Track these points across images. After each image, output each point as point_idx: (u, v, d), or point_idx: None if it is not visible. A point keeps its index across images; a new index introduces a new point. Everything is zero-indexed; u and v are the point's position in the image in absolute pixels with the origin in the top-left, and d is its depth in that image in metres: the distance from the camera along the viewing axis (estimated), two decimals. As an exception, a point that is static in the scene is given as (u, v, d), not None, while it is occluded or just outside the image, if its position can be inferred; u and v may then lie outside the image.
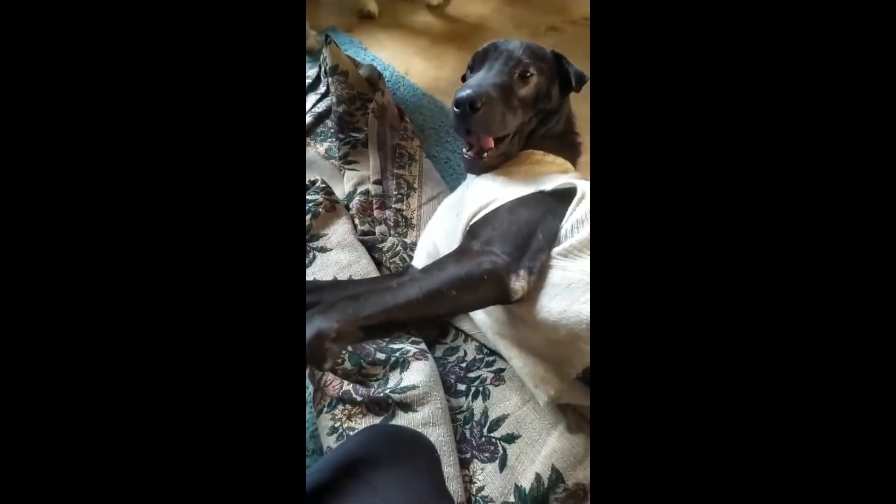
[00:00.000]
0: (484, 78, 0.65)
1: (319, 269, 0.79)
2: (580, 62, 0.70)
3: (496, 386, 0.70)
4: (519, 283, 0.53)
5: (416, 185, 0.95)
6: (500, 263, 0.53)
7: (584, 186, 0.61)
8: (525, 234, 0.56)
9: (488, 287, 0.52)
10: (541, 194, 0.60)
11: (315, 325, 0.43)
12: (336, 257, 0.80)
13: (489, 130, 0.64)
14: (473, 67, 0.70)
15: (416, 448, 0.46)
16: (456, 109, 0.62)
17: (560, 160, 0.70)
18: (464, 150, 0.70)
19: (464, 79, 0.76)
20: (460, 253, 0.55)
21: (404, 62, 1.29)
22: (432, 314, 0.55)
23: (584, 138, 0.76)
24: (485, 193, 0.63)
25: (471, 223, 0.60)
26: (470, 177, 0.75)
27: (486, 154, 0.66)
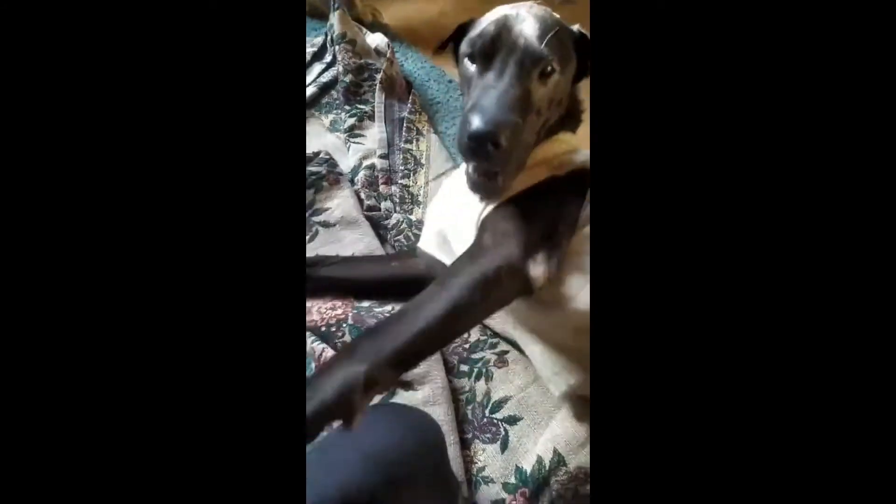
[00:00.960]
0: (501, 94, 0.49)
1: (322, 245, 0.77)
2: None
3: (499, 368, 0.69)
4: (538, 271, 0.50)
5: (423, 161, 0.92)
6: (515, 253, 0.48)
7: None
8: (540, 221, 0.52)
9: (507, 281, 0.48)
10: (553, 180, 0.57)
11: (338, 376, 0.37)
12: (340, 233, 0.78)
13: (509, 164, 0.51)
14: (474, 57, 0.53)
15: (423, 427, 0.46)
16: (470, 143, 0.46)
17: (568, 137, 0.64)
18: (469, 169, 0.54)
19: (443, 47, 0.62)
20: (473, 251, 0.50)
21: (413, 33, 1.24)
22: (462, 329, 0.51)
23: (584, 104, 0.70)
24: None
25: (482, 216, 0.56)
26: None
27: (501, 178, 0.53)
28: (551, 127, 0.62)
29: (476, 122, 0.46)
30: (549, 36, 0.51)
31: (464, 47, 0.54)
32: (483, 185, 0.54)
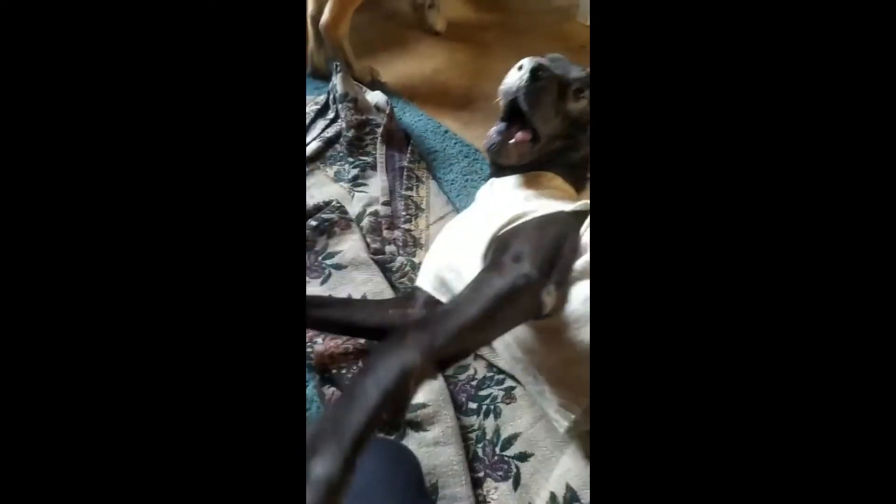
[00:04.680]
0: (551, 67, 0.64)
1: (335, 286, 0.81)
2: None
3: (507, 404, 0.70)
4: (549, 298, 0.53)
5: (423, 206, 0.97)
6: (534, 277, 0.52)
7: None
8: (553, 250, 0.56)
9: (527, 298, 0.51)
10: (561, 213, 0.62)
11: (396, 361, 0.37)
12: (351, 275, 0.81)
13: (536, 110, 0.63)
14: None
15: (398, 455, 0.49)
16: (517, 71, 0.63)
17: (569, 188, 0.72)
18: (494, 128, 0.68)
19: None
20: (496, 267, 0.53)
21: (409, 89, 1.33)
22: (492, 336, 0.53)
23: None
24: (510, 208, 0.63)
25: (498, 234, 0.60)
26: (482, 196, 0.76)
27: (513, 142, 0.66)
28: (561, 162, 0.72)
29: (524, 60, 0.63)
30: (589, 74, 0.67)
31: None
32: (499, 145, 0.66)
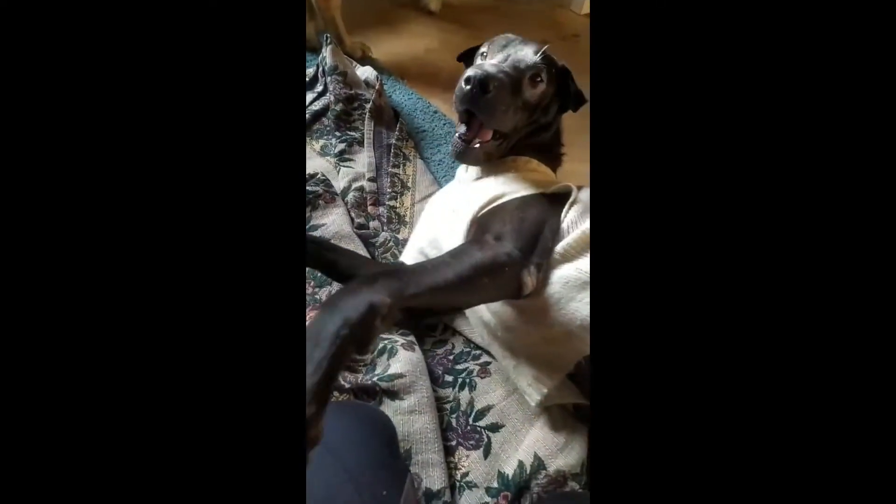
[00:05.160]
0: (498, 65, 0.63)
1: (316, 259, 0.81)
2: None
3: (482, 378, 0.72)
4: (530, 279, 0.54)
5: (409, 184, 0.97)
6: (516, 257, 0.52)
7: (576, 190, 0.63)
8: (534, 231, 0.57)
9: (506, 279, 0.52)
10: (542, 195, 0.62)
11: (364, 297, 0.36)
12: (334, 247, 0.82)
13: (492, 118, 0.62)
14: (487, 54, 0.69)
15: (374, 418, 0.50)
16: (465, 87, 0.59)
17: (546, 169, 0.73)
18: (456, 133, 0.67)
19: (466, 63, 0.76)
20: (478, 243, 0.53)
21: (400, 68, 1.32)
22: (463, 301, 0.53)
23: (569, 149, 0.79)
24: (490, 189, 0.63)
25: (478, 216, 0.60)
26: (461, 176, 0.77)
27: (477, 143, 0.65)
28: (532, 144, 0.72)
29: (470, 71, 0.59)
30: (543, 50, 0.66)
31: (479, 50, 0.72)
32: (463, 148, 0.66)
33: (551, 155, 0.75)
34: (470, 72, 0.59)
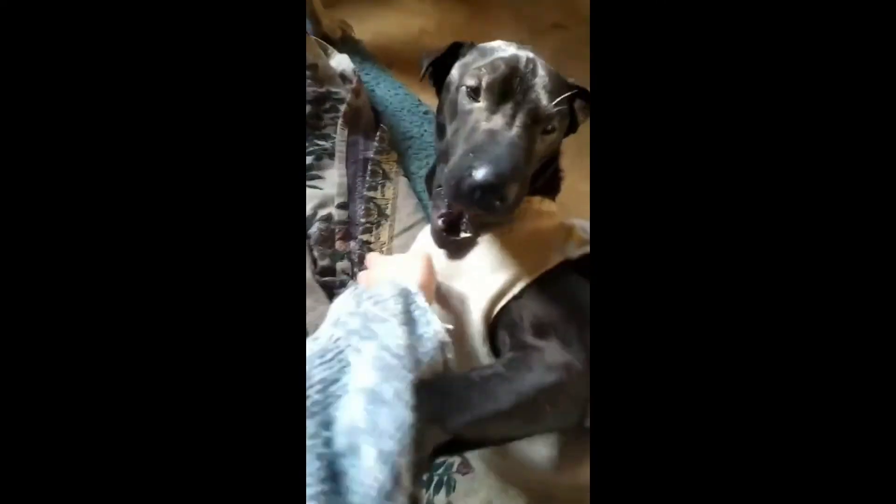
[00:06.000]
0: (511, 145, 0.46)
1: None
2: (584, 63, 0.54)
3: (464, 475, 0.60)
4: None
5: (388, 212, 0.81)
6: (577, 367, 0.41)
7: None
8: (575, 314, 0.45)
9: (568, 400, 0.41)
10: (569, 263, 0.50)
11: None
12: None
13: (508, 214, 0.48)
14: (478, 92, 0.49)
15: None
16: (474, 192, 0.42)
17: (552, 204, 0.59)
18: (435, 218, 0.52)
19: (436, 75, 0.57)
20: (533, 350, 0.43)
21: (387, 53, 1.12)
22: (523, 434, 0.43)
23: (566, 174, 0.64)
24: (499, 267, 0.49)
25: (497, 309, 0.48)
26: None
27: (469, 235, 0.51)
28: (541, 185, 0.58)
29: (484, 172, 0.42)
30: (556, 88, 0.49)
31: (466, 78, 0.49)
32: (447, 239, 0.52)
33: (552, 185, 0.62)
34: (481, 170, 0.41)
